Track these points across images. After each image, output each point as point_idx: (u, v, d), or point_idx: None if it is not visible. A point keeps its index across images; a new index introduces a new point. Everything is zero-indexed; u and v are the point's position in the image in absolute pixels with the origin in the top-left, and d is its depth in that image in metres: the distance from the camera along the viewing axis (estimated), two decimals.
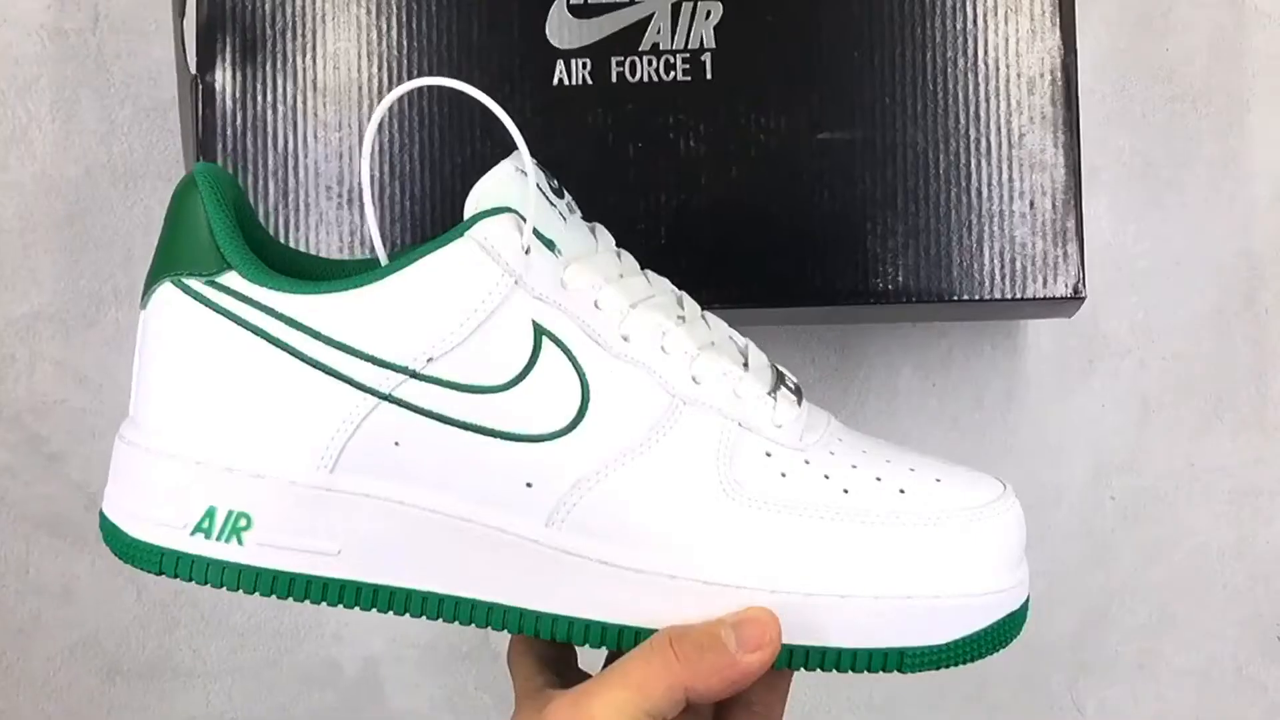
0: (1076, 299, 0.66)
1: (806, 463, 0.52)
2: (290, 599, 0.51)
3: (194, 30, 0.68)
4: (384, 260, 0.52)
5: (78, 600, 0.80)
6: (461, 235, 0.50)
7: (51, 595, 0.80)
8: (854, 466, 0.52)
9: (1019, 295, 0.66)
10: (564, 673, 0.55)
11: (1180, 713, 0.79)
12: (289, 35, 0.67)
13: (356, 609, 0.51)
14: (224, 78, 0.68)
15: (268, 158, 0.67)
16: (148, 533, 0.52)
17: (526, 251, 0.50)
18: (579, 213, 0.55)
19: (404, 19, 0.67)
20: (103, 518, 0.54)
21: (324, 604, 0.51)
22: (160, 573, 0.51)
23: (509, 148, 0.51)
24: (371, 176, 0.67)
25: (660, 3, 0.67)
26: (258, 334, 0.50)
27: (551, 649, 0.55)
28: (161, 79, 0.79)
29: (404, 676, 0.80)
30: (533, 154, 0.51)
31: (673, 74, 0.67)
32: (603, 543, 0.50)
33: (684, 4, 0.67)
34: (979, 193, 0.66)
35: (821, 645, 0.50)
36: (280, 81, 0.67)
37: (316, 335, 0.50)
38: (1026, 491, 0.78)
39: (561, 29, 0.67)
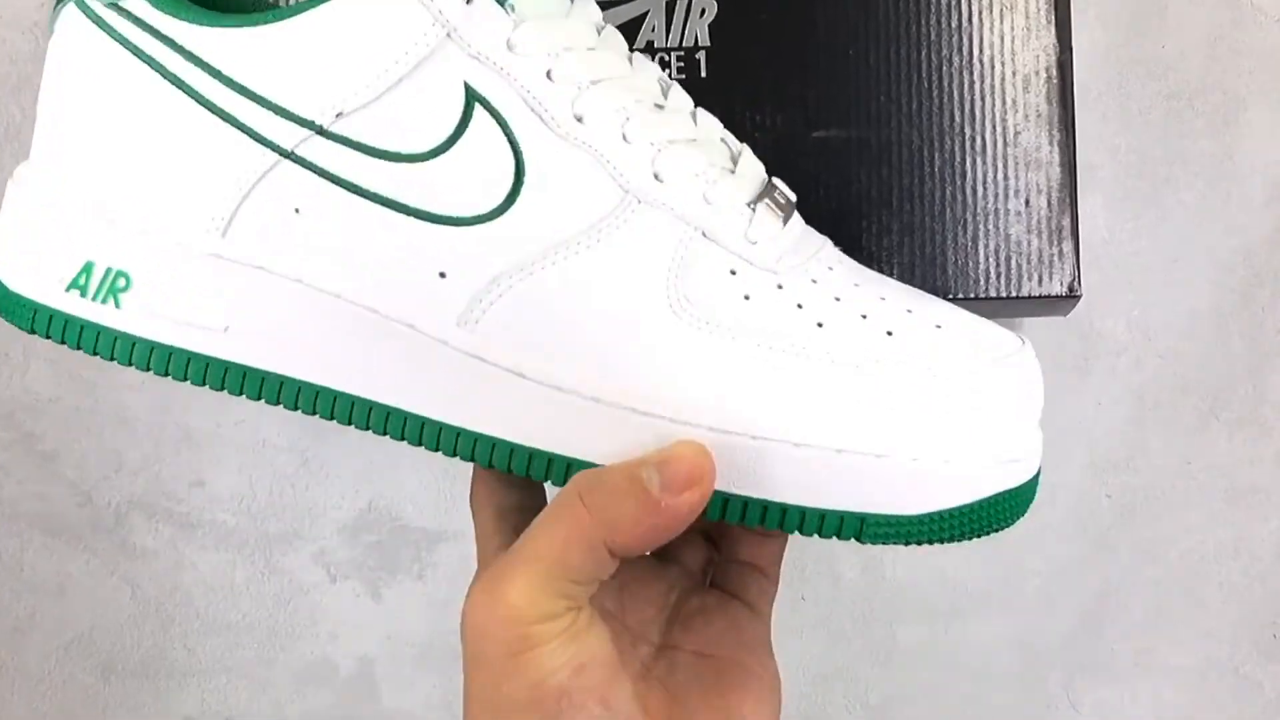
0: (1072, 297, 0.66)
1: (779, 287, 0.45)
2: (169, 376, 0.46)
3: None
4: None
5: (72, 598, 0.80)
6: None
7: (46, 593, 0.80)
8: (837, 299, 0.46)
9: (1014, 293, 0.66)
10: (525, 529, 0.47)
11: (1177, 711, 0.79)
12: None
13: (242, 397, 0.46)
14: None
15: None
16: (23, 285, 0.47)
17: (468, 1, 0.44)
18: None
19: None
20: None
21: (205, 386, 0.46)
22: (32, 330, 0.47)
23: None
24: None
25: (654, 1, 0.67)
26: (156, 69, 0.45)
27: (511, 497, 0.49)
28: None
29: (399, 675, 0.80)
30: None
31: (667, 72, 0.67)
32: (519, 351, 0.44)
33: (678, 2, 0.67)
34: (974, 190, 0.66)
35: (765, 498, 0.44)
36: None
37: (218, 76, 0.44)
38: None
39: None
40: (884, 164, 0.66)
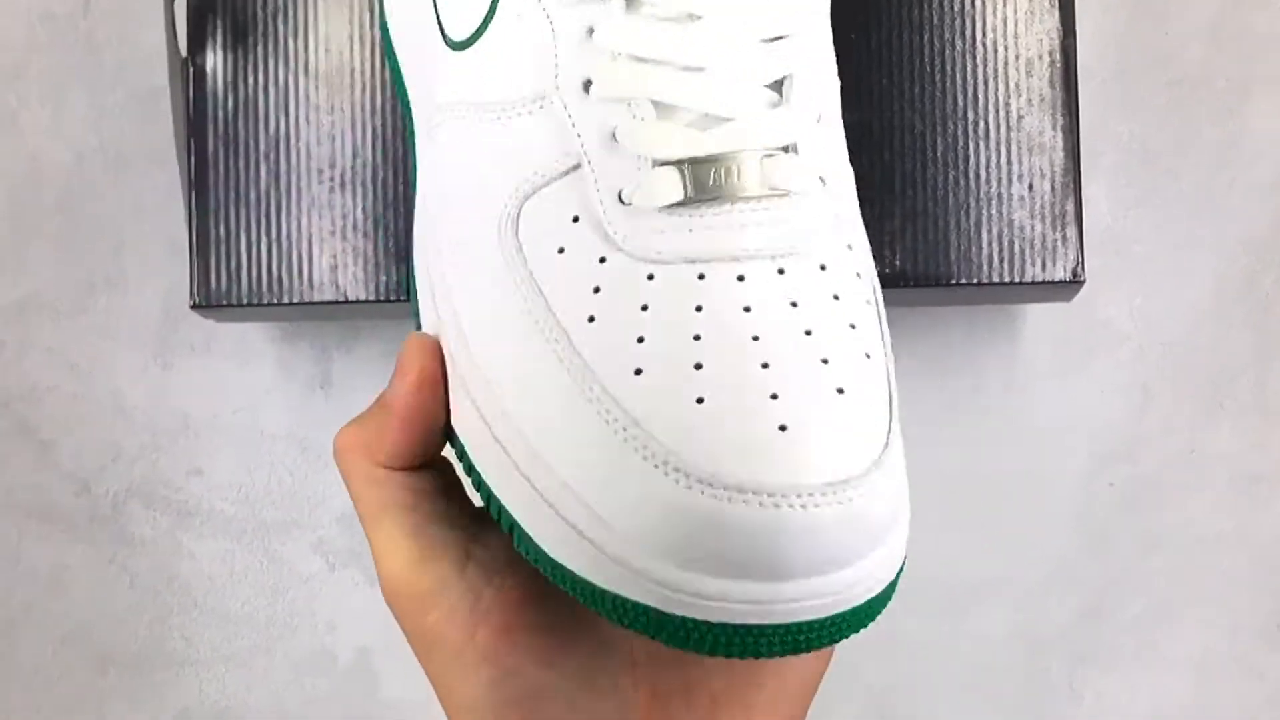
0: (1075, 283, 0.66)
1: (602, 260, 0.40)
2: None
3: (184, 13, 0.67)
4: None
5: (69, 589, 0.79)
6: None
7: (43, 584, 0.79)
8: (643, 307, 0.39)
9: (1017, 279, 0.65)
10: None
11: (1179, 701, 0.79)
12: (280, 18, 0.67)
13: None
14: (215, 61, 0.67)
15: (259, 140, 0.67)
16: None
17: None
18: None
19: None
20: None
21: None
22: None
23: None
24: (365, 161, 0.66)
25: None
26: None
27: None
28: (153, 64, 0.79)
29: (398, 666, 0.79)
30: None
31: None
32: (425, 178, 0.46)
33: None
34: (977, 176, 0.66)
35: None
36: (271, 64, 0.67)
37: None
38: (1024, 479, 0.78)
39: None
40: (886, 148, 0.66)
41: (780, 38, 0.42)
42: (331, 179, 0.67)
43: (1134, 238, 0.78)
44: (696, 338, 0.38)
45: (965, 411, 0.78)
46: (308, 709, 0.79)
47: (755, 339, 0.38)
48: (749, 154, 0.40)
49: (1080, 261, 0.66)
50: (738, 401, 0.37)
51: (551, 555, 0.39)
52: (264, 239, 0.66)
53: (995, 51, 0.66)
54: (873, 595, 0.40)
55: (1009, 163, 0.66)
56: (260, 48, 0.67)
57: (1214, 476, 0.78)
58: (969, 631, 0.78)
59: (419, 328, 0.46)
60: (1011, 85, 0.66)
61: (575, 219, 0.41)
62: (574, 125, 0.41)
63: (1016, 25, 0.66)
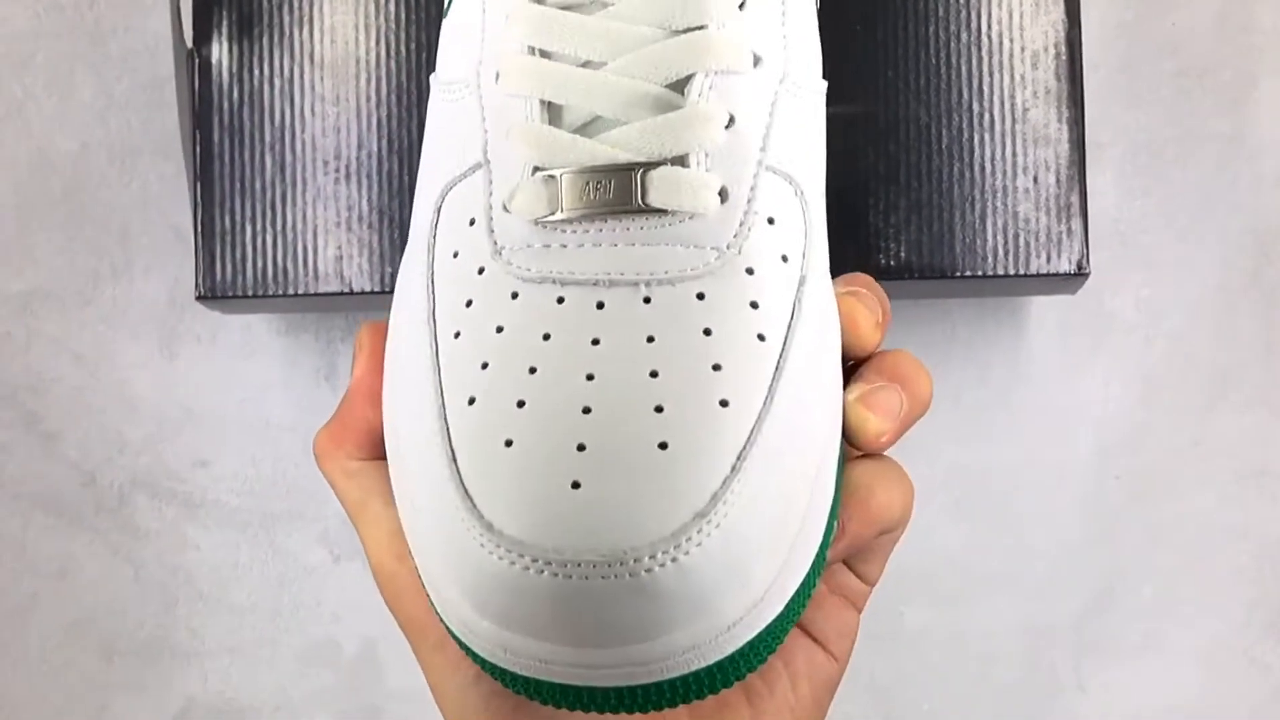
0: (1081, 275, 0.66)
1: (480, 270, 0.38)
2: None
3: (190, 3, 0.67)
4: None
5: (74, 580, 0.79)
6: None
7: (48, 575, 0.80)
8: (475, 328, 0.37)
9: (1022, 271, 0.65)
10: None
11: (1184, 693, 0.79)
12: (285, 8, 0.67)
13: None
14: (220, 51, 0.67)
15: (264, 131, 0.67)
16: None
17: None
18: None
19: None
20: None
21: None
22: None
23: None
24: (371, 152, 0.66)
25: None
26: None
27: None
28: (159, 53, 0.79)
29: (404, 657, 0.79)
30: None
31: None
32: None
33: None
34: (982, 168, 0.66)
35: None
36: (277, 55, 0.67)
37: None
38: (1029, 471, 0.78)
39: None
40: (891, 141, 0.66)
41: (695, 28, 0.39)
42: (337, 170, 0.67)
43: (1140, 229, 0.78)
44: (532, 370, 0.35)
45: (970, 403, 0.78)
46: (313, 699, 0.79)
47: (590, 378, 0.35)
48: (634, 166, 0.37)
49: (1085, 254, 0.65)
50: (539, 449, 0.34)
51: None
52: (269, 230, 0.66)
53: (1001, 44, 0.66)
54: (701, 666, 0.35)
55: (1014, 155, 0.66)
56: (265, 38, 0.67)
57: (1220, 469, 0.78)
58: (974, 623, 0.78)
59: None
60: (1017, 77, 0.66)
61: (472, 221, 0.39)
62: (484, 119, 0.39)
63: (1022, 17, 0.66)
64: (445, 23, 0.42)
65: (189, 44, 0.67)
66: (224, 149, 0.67)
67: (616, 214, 0.37)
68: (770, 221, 0.39)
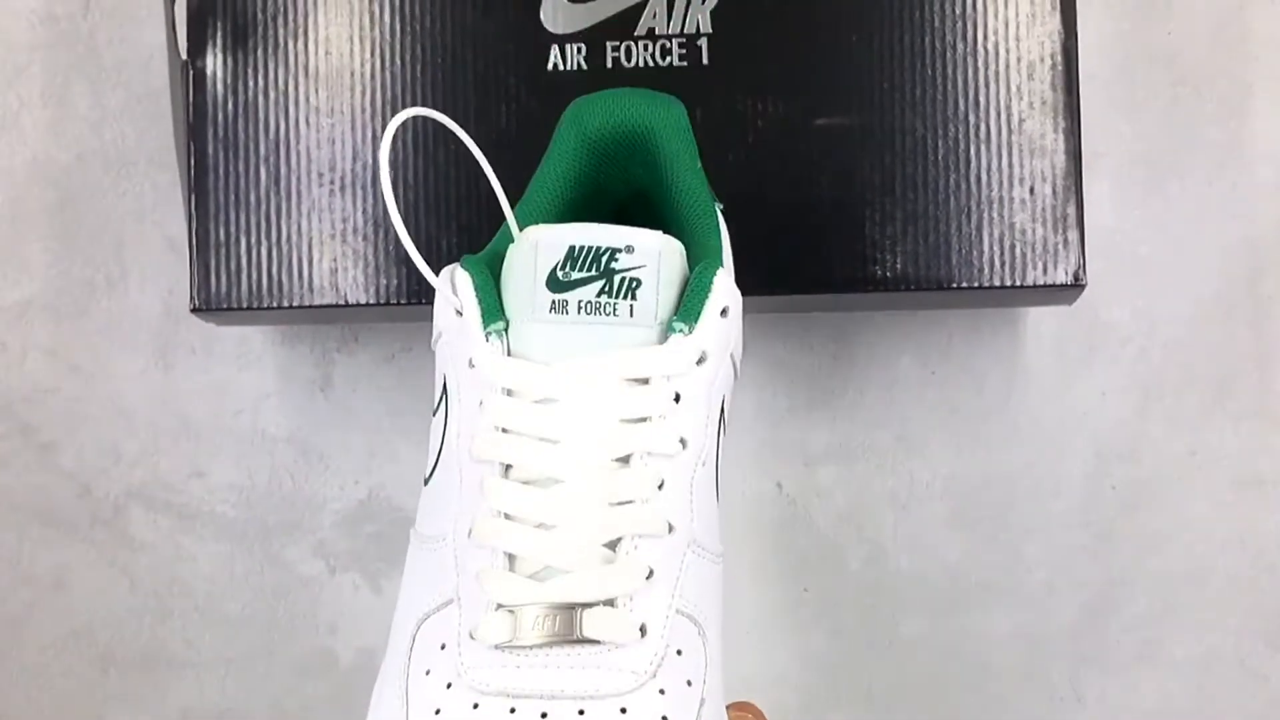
0: (1077, 286, 0.65)
1: (448, 685, 0.46)
2: None
3: (185, 15, 0.67)
4: (428, 277, 0.51)
5: (70, 591, 0.79)
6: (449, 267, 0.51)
7: (44, 586, 0.79)
8: None
9: (1018, 283, 0.65)
10: None
11: (1181, 703, 0.78)
12: (280, 20, 0.67)
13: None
14: (215, 63, 0.67)
15: (259, 144, 0.67)
16: None
17: (458, 313, 0.49)
18: (591, 323, 0.49)
19: (396, 3, 0.67)
20: None
21: None
22: None
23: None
24: (365, 164, 0.66)
25: None
26: None
27: None
28: (154, 64, 0.79)
29: None
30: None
31: (669, 59, 0.66)
32: None
33: None
34: (978, 179, 0.65)
35: None
36: (271, 67, 0.67)
37: None
38: (1026, 481, 0.78)
39: (556, 14, 0.66)
40: (887, 152, 0.66)
41: (625, 503, 0.48)
42: (332, 182, 0.66)
43: (1136, 239, 0.78)
44: None
45: (967, 413, 0.78)
46: (309, 711, 0.79)
47: None
48: (575, 606, 0.46)
49: (1082, 265, 0.65)
50: None
51: None
52: (264, 242, 0.66)
53: (997, 54, 0.66)
54: None
55: (1010, 166, 0.65)
56: (260, 50, 0.67)
57: (1217, 478, 0.78)
58: (971, 632, 0.78)
59: None
60: (1013, 88, 0.66)
61: (443, 646, 0.47)
62: (456, 565, 0.48)
63: (1018, 28, 0.66)
64: (425, 491, 0.51)
65: (184, 56, 0.67)
66: (218, 161, 0.67)
67: (560, 643, 0.46)
68: (679, 653, 0.48)
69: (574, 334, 0.49)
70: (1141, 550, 0.78)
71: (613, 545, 0.48)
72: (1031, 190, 0.65)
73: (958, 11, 0.66)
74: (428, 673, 0.46)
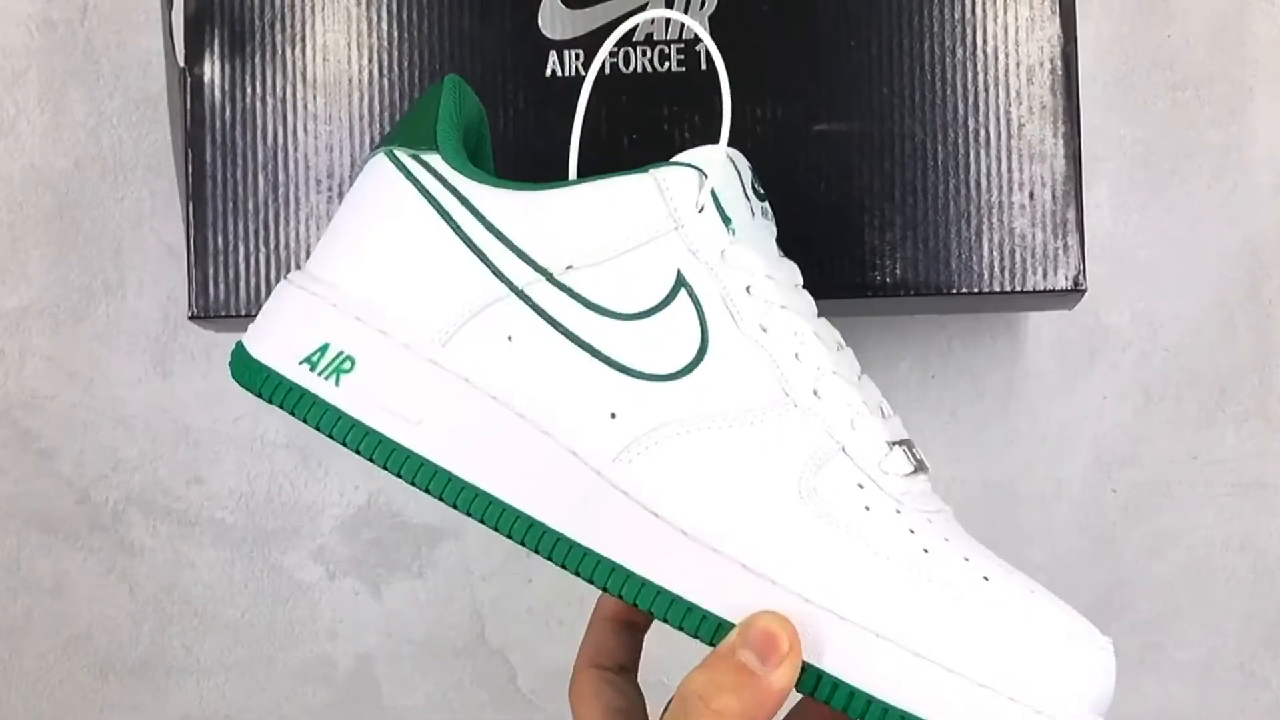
0: (1077, 291, 0.65)
1: (897, 512, 0.50)
2: (357, 451, 0.52)
3: (182, 22, 0.67)
4: (573, 174, 0.55)
5: (70, 597, 0.79)
6: (644, 171, 0.53)
7: (43, 592, 0.79)
8: (946, 539, 0.50)
9: (1018, 288, 0.65)
10: None
11: (1182, 707, 0.78)
12: (278, 27, 0.67)
13: (413, 487, 0.52)
14: (213, 70, 0.67)
15: (257, 151, 0.66)
16: (264, 353, 0.53)
17: (700, 210, 0.53)
18: (775, 231, 0.57)
19: (394, 10, 0.66)
20: (237, 344, 0.55)
21: (385, 469, 0.52)
22: (259, 393, 0.53)
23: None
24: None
25: None
26: (434, 206, 0.53)
27: (617, 699, 0.55)
28: (151, 70, 0.79)
29: (399, 673, 0.79)
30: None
31: (667, 65, 0.66)
32: (658, 494, 0.50)
33: None
34: (978, 184, 0.65)
35: (844, 680, 0.47)
36: (269, 74, 0.67)
37: (481, 219, 0.53)
38: (1027, 485, 0.78)
39: (554, 20, 0.66)
40: (886, 157, 0.66)
41: None
42: (330, 189, 0.66)
43: (1136, 242, 0.77)
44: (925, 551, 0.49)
45: (967, 418, 0.78)
46: (308, 716, 0.79)
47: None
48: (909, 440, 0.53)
49: (1082, 270, 0.65)
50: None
51: None
52: (262, 249, 0.66)
53: (996, 59, 0.66)
54: None
55: (1010, 171, 0.65)
56: (258, 57, 0.67)
57: (1218, 481, 0.78)
58: None
59: None
60: (1012, 93, 0.65)
61: (860, 485, 0.50)
62: (822, 423, 0.51)
63: (1017, 32, 0.66)
64: (684, 382, 0.52)
65: (181, 63, 0.67)
66: (216, 168, 0.66)
67: (924, 470, 0.53)
68: None
69: (767, 233, 0.56)
70: (1142, 554, 0.78)
71: None
72: (1031, 195, 0.65)
73: (957, 16, 0.66)
74: (867, 508, 0.50)
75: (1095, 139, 0.76)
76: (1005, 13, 0.66)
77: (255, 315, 0.66)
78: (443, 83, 0.56)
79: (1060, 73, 0.66)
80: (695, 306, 0.52)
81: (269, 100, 0.67)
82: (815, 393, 0.52)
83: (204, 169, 0.66)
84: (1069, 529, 0.78)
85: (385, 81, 0.66)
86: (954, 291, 0.65)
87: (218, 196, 0.66)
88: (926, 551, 0.49)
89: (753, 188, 0.56)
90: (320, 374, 0.52)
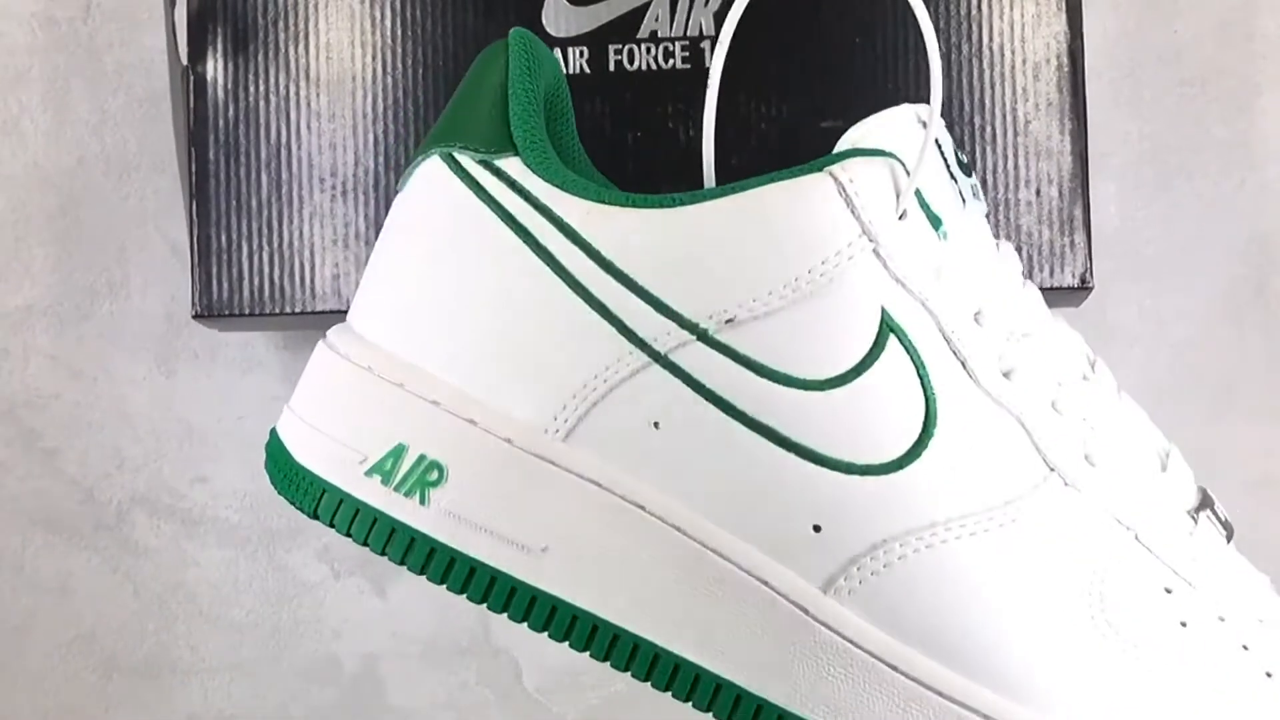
0: (1084, 289, 0.65)
1: (1221, 619, 0.39)
2: (466, 596, 0.39)
3: (185, 20, 0.67)
4: (710, 183, 0.40)
5: (74, 597, 0.79)
6: (819, 169, 0.39)
7: (47, 592, 0.79)
8: None
9: None
10: None
11: None
12: (281, 25, 0.66)
13: (544, 634, 0.39)
14: (215, 68, 0.67)
15: (260, 149, 0.66)
16: (313, 460, 0.39)
17: (901, 216, 0.39)
18: (988, 208, 0.42)
19: (398, 7, 0.66)
20: (272, 435, 0.41)
21: (507, 615, 0.39)
22: (315, 515, 0.39)
23: None
24: (367, 169, 0.66)
25: None
26: (525, 239, 0.38)
27: None
28: (155, 68, 0.78)
29: (405, 673, 0.79)
30: None
31: (672, 62, 0.66)
32: (898, 636, 0.37)
33: None
34: (983, 181, 0.65)
35: None
36: (272, 72, 0.66)
37: (597, 257, 0.37)
38: None
39: (558, 17, 0.66)
40: None
41: None
42: (334, 187, 0.66)
43: (1143, 239, 0.77)
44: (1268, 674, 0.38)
45: None
46: (314, 717, 0.79)
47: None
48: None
49: (1089, 267, 0.65)
50: None
51: None
52: (265, 248, 0.66)
53: (1002, 55, 0.65)
54: None
55: (1016, 168, 0.65)
56: (261, 55, 0.66)
57: (1225, 480, 0.77)
58: None
59: None
60: (1018, 89, 0.65)
61: (1168, 590, 0.39)
62: (1105, 500, 0.39)
63: (1023, 28, 0.65)
64: (906, 473, 0.38)
65: (184, 61, 0.67)
66: (219, 166, 0.66)
67: (1231, 531, 0.43)
68: None
69: (981, 222, 0.42)
70: None
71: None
72: (1038, 192, 0.65)
73: (962, 13, 0.65)
74: (1184, 624, 0.39)
75: (1102, 135, 0.75)
76: (1011, 9, 0.65)
77: (258, 314, 0.66)
78: (506, 42, 0.42)
79: (1067, 69, 0.65)
80: (912, 358, 0.38)
81: (272, 98, 0.66)
82: (1088, 458, 0.40)
83: (207, 167, 0.66)
84: None
85: (389, 79, 0.66)
86: None
87: (220, 195, 0.66)
88: (1270, 676, 0.38)
89: (956, 160, 0.43)
90: (398, 489, 0.39)
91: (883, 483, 0.37)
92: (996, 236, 0.65)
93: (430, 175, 0.41)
